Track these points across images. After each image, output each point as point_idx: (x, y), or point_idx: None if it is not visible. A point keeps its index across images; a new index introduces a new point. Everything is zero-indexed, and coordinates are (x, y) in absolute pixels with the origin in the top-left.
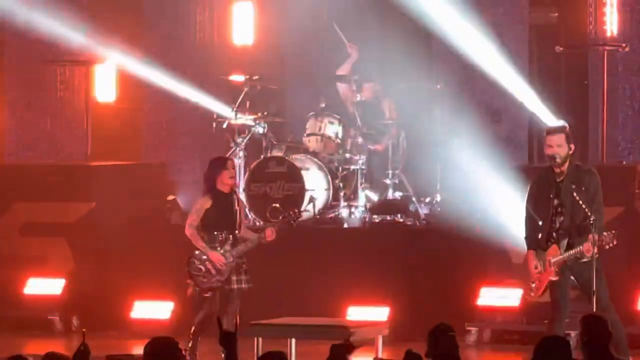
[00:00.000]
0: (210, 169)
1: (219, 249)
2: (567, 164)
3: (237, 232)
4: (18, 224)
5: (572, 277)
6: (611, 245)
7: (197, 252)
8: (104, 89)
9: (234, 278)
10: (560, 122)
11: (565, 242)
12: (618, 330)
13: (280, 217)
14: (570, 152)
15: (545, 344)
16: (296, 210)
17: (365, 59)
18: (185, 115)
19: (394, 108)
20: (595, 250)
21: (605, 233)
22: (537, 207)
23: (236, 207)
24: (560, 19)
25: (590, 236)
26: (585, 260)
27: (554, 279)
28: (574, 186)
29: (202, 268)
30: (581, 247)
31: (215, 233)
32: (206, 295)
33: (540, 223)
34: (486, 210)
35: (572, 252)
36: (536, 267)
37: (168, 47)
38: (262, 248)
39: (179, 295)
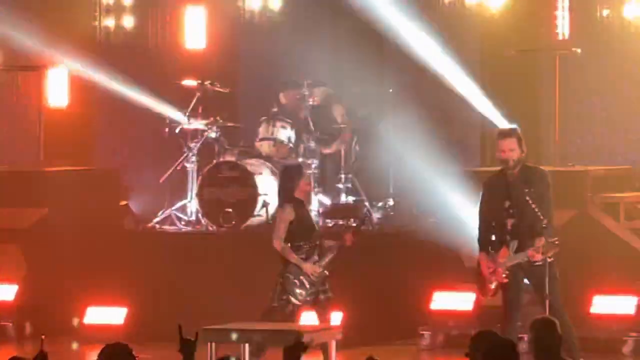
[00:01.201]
0: (287, 178)
1: (308, 260)
2: (519, 167)
3: (320, 241)
4: None
5: (526, 280)
6: (550, 254)
7: (289, 265)
8: (57, 93)
9: (321, 288)
10: (512, 126)
11: (515, 243)
12: (570, 334)
13: (354, 220)
14: (523, 154)
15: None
16: (367, 211)
17: (317, 63)
18: (137, 120)
19: (346, 112)
20: (550, 253)
21: (549, 240)
22: (489, 209)
23: (313, 215)
24: (512, 22)
25: (537, 241)
26: (538, 263)
27: (503, 281)
28: (524, 188)
29: (297, 282)
30: (526, 252)
31: (301, 244)
32: (294, 309)
33: (492, 225)
34: (439, 214)
35: (519, 254)
36: (489, 268)
37: (121, 51)
38: (215, 253)
39: (133, 300)
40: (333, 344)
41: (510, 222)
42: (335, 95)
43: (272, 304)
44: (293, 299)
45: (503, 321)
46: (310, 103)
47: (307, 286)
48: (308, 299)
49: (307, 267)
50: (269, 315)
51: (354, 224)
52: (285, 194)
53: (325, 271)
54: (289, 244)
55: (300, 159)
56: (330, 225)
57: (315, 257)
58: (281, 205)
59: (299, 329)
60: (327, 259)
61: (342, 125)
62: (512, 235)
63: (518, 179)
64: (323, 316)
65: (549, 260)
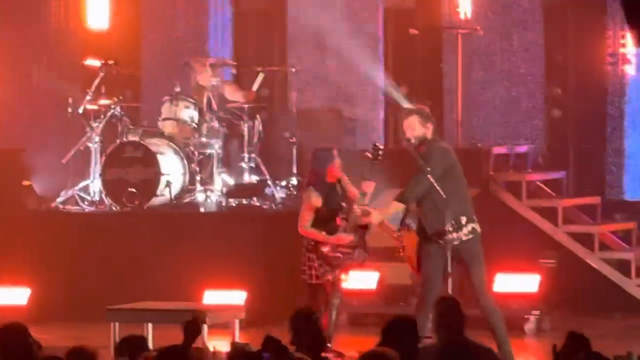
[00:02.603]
0: (318, 161)
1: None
2: (426, 144)
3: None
4: None
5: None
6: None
7: (312, 243)
8: None
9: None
10: (414, 105)
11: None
12: (495, 317)
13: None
14: (428, 132)
15: (392, 325)
16: (376, 144)
17: (220, 43)
18: (40, 100)
19: (249, 92)
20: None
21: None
22: None
23: (340, 193)
24: (416, 2)
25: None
26: (461, 240)
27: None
28: (424, 164)
29: (317, 259)
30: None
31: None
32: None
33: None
34: None
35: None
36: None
37: (23, 31)
38: (118, 233)
39: (36, 281)
40: (237, 323)
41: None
42: (238, 74)
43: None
44: (314, 274)
45: (420, 297)
46: (213, 83)
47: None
48: (329, 275)
49: (337, 237)
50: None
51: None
52: (314, 177)
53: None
54: (317, 229)
55: (203, 139)
56: (233, 204)
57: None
58: (307, 188)
59: (203, 308)
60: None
61: (245, 105)
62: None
63: (422, 157)
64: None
65: (464, 238)
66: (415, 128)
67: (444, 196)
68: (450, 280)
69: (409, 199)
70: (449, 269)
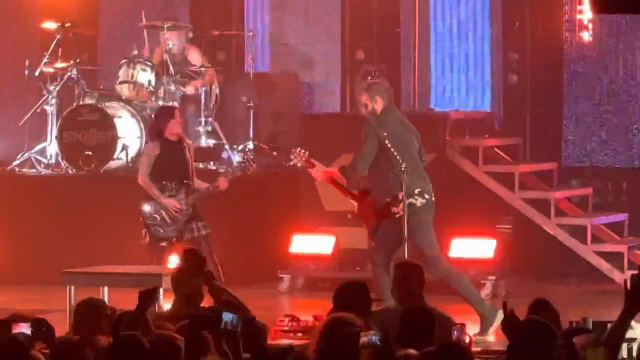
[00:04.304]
0: (158, 118)
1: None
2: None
3: (189, 181)
4: None
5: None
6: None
7: (148, 200)
8: None
9: (192, 226)
10: (368, 73)
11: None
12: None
13: (235, 167)
14: (377, 105)
15: (343, 289)
16: (251, 158)
17: (178, 6)
18: None
19: (206, 56)
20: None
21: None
22: None
23: (187, 156)
24: None
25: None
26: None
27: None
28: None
29: (157, 217)
30: None
31: (165, 183)
32: (162, 245)
33: None
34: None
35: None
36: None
37: None
38: (75, 196)
39: None
40: None
41: None
42: (195, 38)
43: (142, 241)
44: (148, 233)
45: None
46: (170, 46)
47: (168, 221)
48: (169, 235)
49: (167, 200)
50: (149, 252)
51: (234, 171)
52: (153, 132)
53: (188, 209)
54: (158, 182)
55: (160, 103)
56: (204, 168)
57: (181, 196)
58: (146, 141)
59: (159, 271)
60: (193, 198)
61: (201, 69)
62: None
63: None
64: (205, 252)
65: (418, 205)
66: (366, 103)
67: (400, 160)
68: (406, 245)
69: (360, 167)
70: (405, 234)
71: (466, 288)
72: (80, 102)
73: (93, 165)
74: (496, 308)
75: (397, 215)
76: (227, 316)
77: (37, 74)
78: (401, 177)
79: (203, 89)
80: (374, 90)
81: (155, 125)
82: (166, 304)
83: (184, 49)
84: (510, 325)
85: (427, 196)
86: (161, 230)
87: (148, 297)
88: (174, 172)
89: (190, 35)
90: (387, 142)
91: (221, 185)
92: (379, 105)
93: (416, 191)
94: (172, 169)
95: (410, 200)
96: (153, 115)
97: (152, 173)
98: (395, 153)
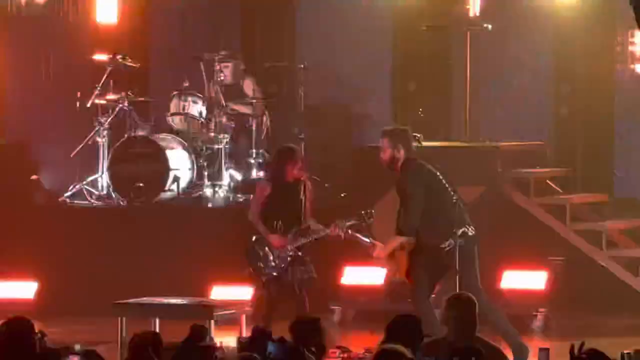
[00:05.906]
0: (278, 160)
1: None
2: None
3: (300, 222)
4: None
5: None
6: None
7: (257, 237)
8: None
9: (295, 269)
10: (391, 126)
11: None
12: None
13: (354, 218)
14: (398, 153)
15: (397, 322)
16: (369, 211)
17: (228, 37)
18: (49, 94)
19: (257, 87)
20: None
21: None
22: None
23: (301, 197)
24: None
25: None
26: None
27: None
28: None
29: (260, 253)
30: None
31: (275, 223)
32: (262, 279)
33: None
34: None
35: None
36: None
37: (32, 26)
38: (126, 227)
39: (44, 275)
40: (244, 318)
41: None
42: (246, 69)
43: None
44: (251, 270)
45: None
46: (221, 78)
47: (271, 258)
48: (271, 272)
49: (273, 237)
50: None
51: (352, 221)
52: (271, 173)
53: (291, 250)
54: (266, 222)
55: (211, 135)
56: (241, 200)
57: (290, 237)
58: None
59: (210, 303)
60: (301, 242)
61: (253, 100)
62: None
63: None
64: (298, 299)
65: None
66: (386, 150)
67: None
68: (457, 278)
69: (412, 228)
70: (456, 265)
71: (504, 323)
72: (132, 134)
73: (144, 197)
74: (527, 347)
75: (448, 249)
76: (271, 347)
77: (88, 105)
78: (453, 211)
79: (254, 121)
80: (397, 138)
81: (275, 171)
82: (217, 338)
83: (238, 80)
84: None
85: (465, 230)
86: (262, 266)
87: (197, 332)
88: (283, 213)
89: (243, 67)
90: (433, 183)
91: (332, 232)
92: (399, 153)
93: (468, 220)
94: (281, 209)
95: (463, 229)
96: (272, 158)
97: (262, 212)
98: (447, 186)
